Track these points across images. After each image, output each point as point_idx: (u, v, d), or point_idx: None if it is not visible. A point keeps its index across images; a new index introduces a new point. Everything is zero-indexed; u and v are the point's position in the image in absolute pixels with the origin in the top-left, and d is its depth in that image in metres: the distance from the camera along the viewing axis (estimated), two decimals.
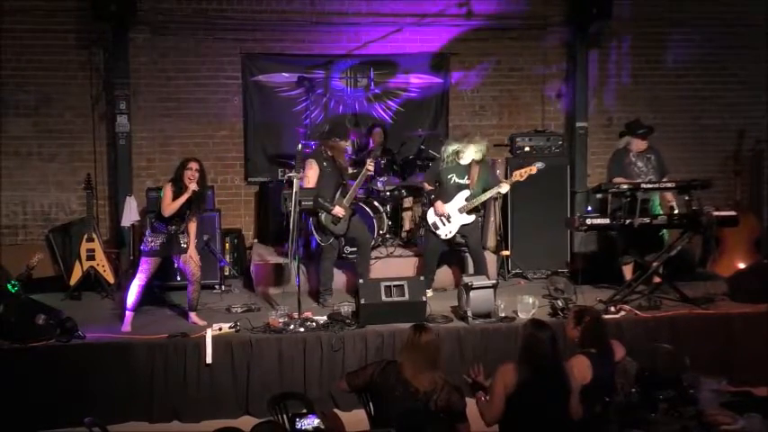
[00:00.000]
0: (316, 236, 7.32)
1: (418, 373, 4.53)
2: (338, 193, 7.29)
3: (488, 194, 7.42)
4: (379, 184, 8.34)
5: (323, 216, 7.22)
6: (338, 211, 7.22)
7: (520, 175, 7.42)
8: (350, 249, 7.82)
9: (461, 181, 7.46)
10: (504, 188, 7.43)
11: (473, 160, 7.42)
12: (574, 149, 9.06)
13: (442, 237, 7.52)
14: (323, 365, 6.41)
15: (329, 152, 7.33)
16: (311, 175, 7.19)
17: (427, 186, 7.65)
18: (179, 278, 7.45)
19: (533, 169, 7.44)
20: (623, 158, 7.77)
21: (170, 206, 6.57)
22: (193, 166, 6.65)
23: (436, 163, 7.79)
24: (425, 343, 4.62)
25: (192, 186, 6.59)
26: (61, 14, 8.63)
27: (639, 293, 7.31)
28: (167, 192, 6.62)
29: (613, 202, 7.61)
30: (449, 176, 7.48)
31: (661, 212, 7.56)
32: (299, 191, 6.80)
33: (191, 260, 6.76)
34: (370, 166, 7.43)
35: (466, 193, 7.45)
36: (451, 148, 7.47)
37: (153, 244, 6.66)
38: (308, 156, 7.45)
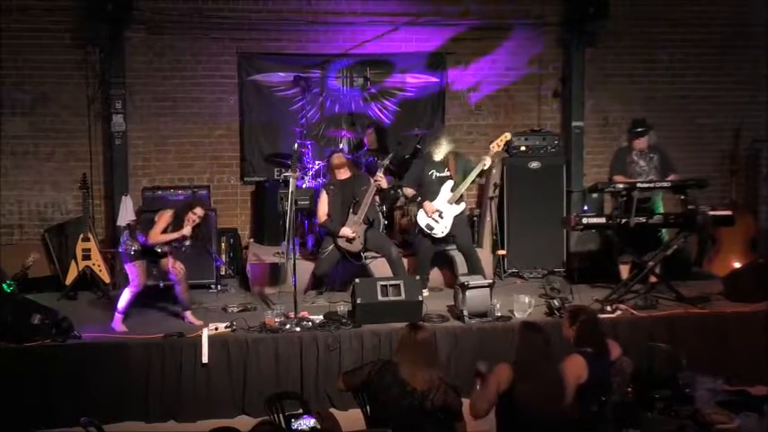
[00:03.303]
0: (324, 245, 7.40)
1: (415, 373, 4.52)
2: (350, 211, 7.32)
3: (473, 175, 7.44)
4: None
5: (339, 240, 7.29)
6: (344, 232, 7.25)
7: (497, 144, 7.58)
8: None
9: (442, 174, 7.50)
10: (487, 162, 7.42)
11: (448, 152, 7.51)
12: (570, 149, 9.04)
13: (440, 235, 7.50)
14: (319, 365, 6.42)
15: (330, 175, 7.43)
16: (320, 204, 7.37)
17: (409, 191, 7.67)
18: None
19: (507, 135, 7.71)
20: (625, 157, 7.79)
21: (158, 237, 6.56)
22: (198, 212, 6.65)
23: (416, 165, 7.80)
24: (421, 341, 4.62)
25: (186, 231, 6.59)
26: (58, 14, 8.59)
27: (636, 293, 7.30)
28: (164, 218, 6.60)
29: (612, 201, 7.63)
30: (429, 173, 7.53)
31: (662, 212, 7.57)
32: (294, 190, 6.81)
33: (170, 262, 6.73)
34: (378, 178, 7.37)
35: (450, 183, 7.48)
36: (429, 147, 7.62)
37: (130, 248, 6.63)
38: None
